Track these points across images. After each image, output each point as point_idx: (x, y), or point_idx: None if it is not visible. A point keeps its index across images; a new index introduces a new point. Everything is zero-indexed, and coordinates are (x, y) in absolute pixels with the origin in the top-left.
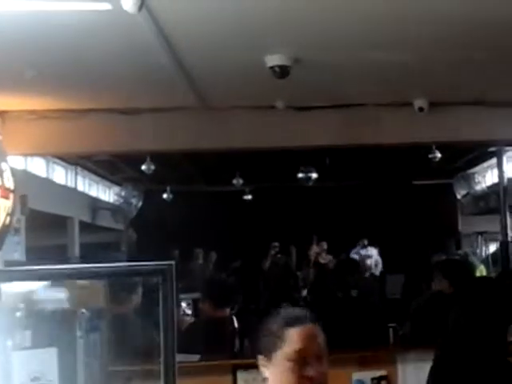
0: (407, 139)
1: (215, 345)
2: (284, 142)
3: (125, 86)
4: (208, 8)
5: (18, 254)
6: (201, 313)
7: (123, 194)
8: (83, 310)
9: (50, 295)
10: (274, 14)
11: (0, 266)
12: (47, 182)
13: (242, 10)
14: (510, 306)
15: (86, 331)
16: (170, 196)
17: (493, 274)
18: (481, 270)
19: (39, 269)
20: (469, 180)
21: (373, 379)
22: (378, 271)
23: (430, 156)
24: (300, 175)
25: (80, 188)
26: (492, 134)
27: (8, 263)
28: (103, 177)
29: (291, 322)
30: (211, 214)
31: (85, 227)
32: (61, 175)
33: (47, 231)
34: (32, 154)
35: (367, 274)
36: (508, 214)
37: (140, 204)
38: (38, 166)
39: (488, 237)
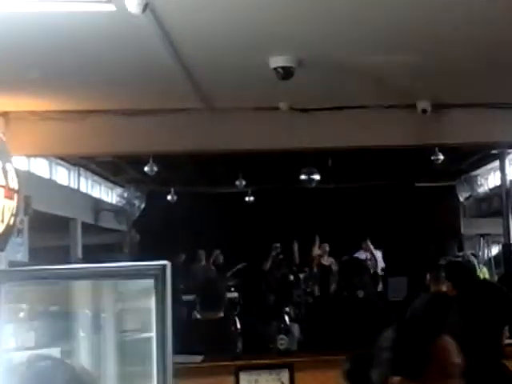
0: (410, 141)
1: (213, 345)
2: (287, 143)
3: (128, 87)
4: (212, 9)
5: (21, 255)
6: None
7: (126, 195)
8: (86, 311)
9: None
10: (277, 16)
11: (3, 266)
12: (50, 183)
13: (245, 11)
14: (506, 308)
15: (89, 332)
16: (174, 197)
17: (495, 277)
18: (483, 273)
19: (41, 269)
20: (471, 182)
21: None
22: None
23: (432, 158)
24: (302, 177)
25: (83, 189)
26: (495, 135)
27: (11, 264)
28: (106, 178)
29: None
30: (213, 215)
31: (87, 228)
32: (64, 176)
33: (50, 232)
34: (35, 155)
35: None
36: (510, 216)
37: (143, 205)
38: (40, 167)
39: (490, 239)
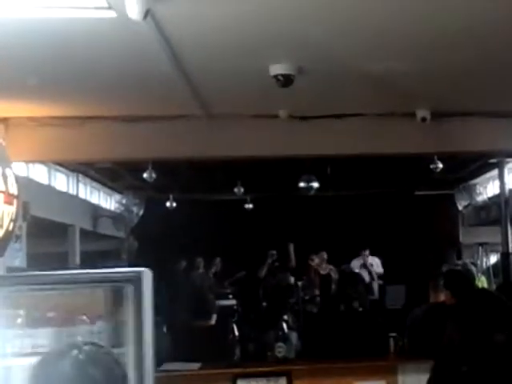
0: (409, 149)
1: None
2: (286, 151)
3: (128, 93)
4: (212, 16)
5: (19, 261)
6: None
7: (124, 201)
8: (83, 317)
9: None
10: (277, 23)
11: (1, 272)
12: (49, 189)
13: (246, 18)
14: (505, 317)
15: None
16: (172, 204)
17: (494, 286)
18: (482, 281)
19: (39, 275)
20: (470, 191)
21: None
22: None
23: (431, 166)
24: (301, 184)
25: (81, 195)
26: (494, 144)
27: (9, 269)
28: (104, 184)
29: None
30: (212, 222)
31: (86, 235)
32: (62, 182)
33: (48, 238)
34: (34, 161)
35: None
36: (509, 225)
37: (141, 212)
38: (39, 173)
39: (489, 248)
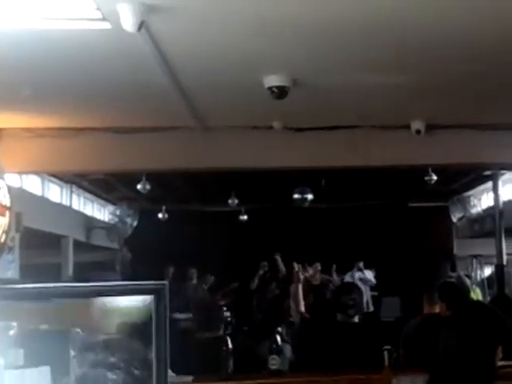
0: (404, 161)
1: (207, 365)
2: (281, 162)
3: (122, 105)
4: (207, 29)
5: (12, 272)
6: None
7: (118, 213)
8: (77, 330)
9: None
10: (272, 36)
11: None
12: (42, 200)
13: (240, 31)
14: (499, 329)
15: (80, 351)
16: (166, 216)
17: (488, 298)
18: (477, 294)
19: (32, 287)
20: (464, 203)
21: None
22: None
23: (425, 178)
24: (296, 196)
25: (75, 206)
26: (488, 157)
27: (1, 281)
28: (98, 195)
29: None
30: (206, 233)
31: (79, 246)
32: (56, 193)
33: (41, 249)
34: (28, 172)
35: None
36: (503, 237)
37: (135, 223)
38: (33, 184)
39: (483, 260)
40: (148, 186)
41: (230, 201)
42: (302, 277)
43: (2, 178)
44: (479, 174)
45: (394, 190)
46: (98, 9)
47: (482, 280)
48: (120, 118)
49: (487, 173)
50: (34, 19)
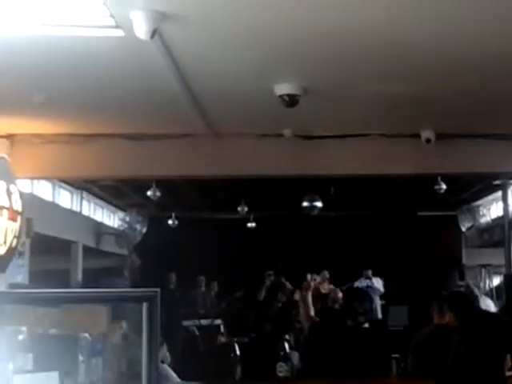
0: (413, 170)
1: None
2: (290, 170)
3: (134, 111)
4: (219, 37)
5: (22, 277)
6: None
7: (128, 219)
8: (86, 335)
9: None
10: (284, 44)
11: (4, 288)
12: (52, 206)
13: (252, 39)
14: (508, 338)
15: (88, 356)
16: (175, 222)
17: (497, 308)
18: (487, 305)
19: (41, 292)
20: (473, 212)
21: None
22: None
23: (435, 187)
24: (305, 204)
25: (85, 212)
26: (498, 166)
27: (11, 286)
28: (108, 202)
29: None
30: (215, 241)
31: (89, 252)
32: (66, 199)
33: (51, 255)
34: (39, 178)
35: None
36: None
37: (144, 230)
38: (43, 190)
39: (492, 270)
40: (158, 193)
41: (239, 208)
42: (312, 284)
43: (14, 184)
44: (489, 184)
45: (403, 199)
46: (111, 16)
47: (491, 290)
48: (131, 125)
49: (497, 182)
50: (47, 26)
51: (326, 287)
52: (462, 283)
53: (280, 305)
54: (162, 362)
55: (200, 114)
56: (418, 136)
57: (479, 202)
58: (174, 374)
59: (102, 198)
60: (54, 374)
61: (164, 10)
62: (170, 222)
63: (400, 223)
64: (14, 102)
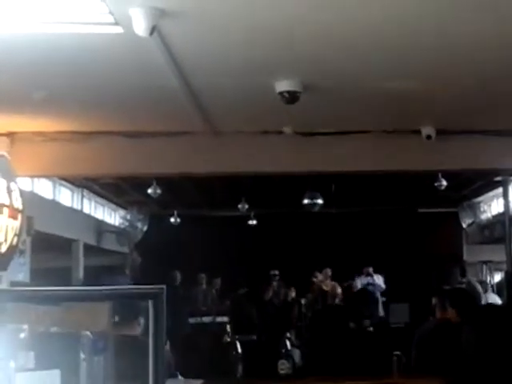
0: (414, 167)
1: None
2: (291, 167)
3: (133, 108)
4: (218, 34)
5: (23, 275)
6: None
7: (129, 217)
8: (87, 333)
9: None
10: (284, 41)
11: (5, 286)
12: (53, 204)
13: (252, 36)
14: None
15: (90, 354)
16: (176, 220)
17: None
18: (493, 298)
19: (43, 290)
20: (474, 209)
21: None
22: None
23: (435, 184)
24: (305, 201)
25: (86, 210)
26: (499, 162)
27: (12, 284)
28: (109, 200)
29: None
30: (216, 238)
31: (90, 250)
32: (67, 197)
33: (52, 253)
34: (40, 176)
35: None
36: None
37: (145, 228)
38: (44, 188)
39: (493, 266)
40: (158, 191)
41: (239, 206)
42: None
43: (14, 182)
44: (489, 180)
45: (403, 196)
46: (110, 13)
47: (492, 286)
48: (130, 122)
49: (497, 179)
50: (46, 23)
51: (328, 284)
52: (464, 280)
53: (282, 302)
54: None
55: (199, 110)
56: (418, 132)
57: (480, 199)
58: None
59: (102, 196)
60: (55, 372)
61: (163, 7)
62: (171, 219)
63: (401, 220)
64: (14, 99)
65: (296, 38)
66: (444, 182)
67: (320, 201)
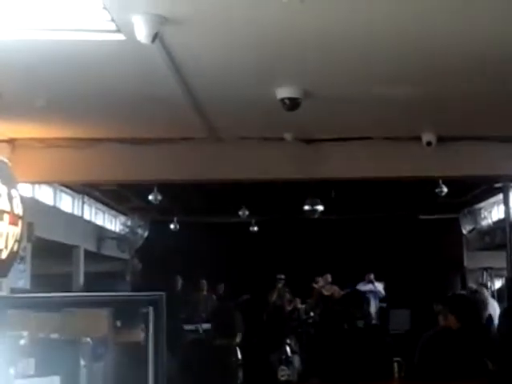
0: (415, 173)
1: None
2: (291, 174)
3: (135, 115)
4: (220, 41)
5: (23, 282)
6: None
7: (129, 223)
8: (87, 339)
9: None
10: (285, 47)
11: (5, 292)
12: (54, 210)
13: (253, 42)
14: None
15: (90, 360)
16: (177, 226)
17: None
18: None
19: (43, 296)
20: (475, 215)
21: None
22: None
23: (436, 190)
24: (306, 207)
25: (86, 217)
26: (499, 169)
27: (12, 290)
28: (110, 206)
29: None
30: (217, 245)
31: (90, 256)
32: (68, 204)
33: (52, 259)
34: (40, 182)
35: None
36: None
37: (146, 234)
38: (45, 194)
39: (494, 273)
40: (159, 197)
41: (240, 212)
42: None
43: (16, 188)
44: (490, 187)
45: (404, 202)
46: (112, 20)
47: (493, 292)
48: (132, 129)
49: (498, 185)
50: (48, 30)
51: (328, 289)
52: (473, 286)
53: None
54: None
55: (201, 117)
56: (419, 139)
57: (481, 205)
58: None
59: (103, 203)
60: (55, 379)
61: (165, 14)
62: (171, 226)
63: (401, 226)
64: (15, 106)
65: (297, 45)
66: (445, 189)
67: (320, 207)
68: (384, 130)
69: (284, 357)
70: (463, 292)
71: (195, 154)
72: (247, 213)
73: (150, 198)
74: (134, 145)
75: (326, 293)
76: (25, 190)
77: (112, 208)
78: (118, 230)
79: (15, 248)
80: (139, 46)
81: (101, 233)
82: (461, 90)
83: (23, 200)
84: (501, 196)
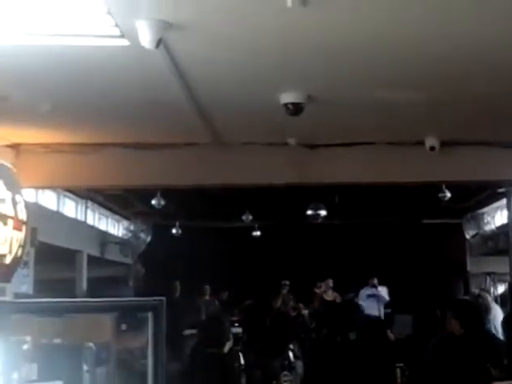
0: (418, 178)
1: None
2: (295, 178)
3: (138, 120)
4: (224, 46)
5: (26, 287)
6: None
7: (132, 228)
8: (90, 344)
9: None
10: (288, 53)
11: (8, 297)
12: (57, 215)
13: (257, 48)
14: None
15: (93, 365)
16: (179, 231)
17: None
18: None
19: (46, 301)
20: (478, 220)
21: None
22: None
23: (439, 195)
24: (309, 212)
25: (90, 222)
26: (502, 174)
27: (16, 295)
28: (113, 211)
29: None
30: (220, 250)
31: (93, 261)
32: (71, 208)
33: (55, 264)
34: (44, 187)
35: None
36: None
37: (149, 239)
38: (48, 199)
39: (496, 278)
40: (162, 202)
41: (243, 217)
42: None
43: (20, 194)
44: (493, 192)
45: (407, 207)
46: (116, 26)
47: (496, 297)
48: (136, 134)
49: (501, 190)
50: (52, 36)
51: (330, 295)
52: (476, 291)
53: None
54: None
55: (205, 122)
56: (422, 144)
57: (484, 210)
58: None
59: (106, 207)
60: None
61: (169, 20)
62: (174, 230)
63: (404, 231)
64: (19, 111)
65: (300, 50)
66: (448, 194)
67: (324, 212)
68: (387, 135)
69: (287, 362)
70: (466, 297)
71: (199, 159)
72: (250, 218)
73: (153, 202)
74: (138, 150)
75: (327, 298)
76: (28, 194)
77: (115, 213)
78: (121, 234)
79: (19, 253)
80: (143, 52)
81: (104, 237)
82: (464, 94)
83: (27, 205)
84: (504, 201)
